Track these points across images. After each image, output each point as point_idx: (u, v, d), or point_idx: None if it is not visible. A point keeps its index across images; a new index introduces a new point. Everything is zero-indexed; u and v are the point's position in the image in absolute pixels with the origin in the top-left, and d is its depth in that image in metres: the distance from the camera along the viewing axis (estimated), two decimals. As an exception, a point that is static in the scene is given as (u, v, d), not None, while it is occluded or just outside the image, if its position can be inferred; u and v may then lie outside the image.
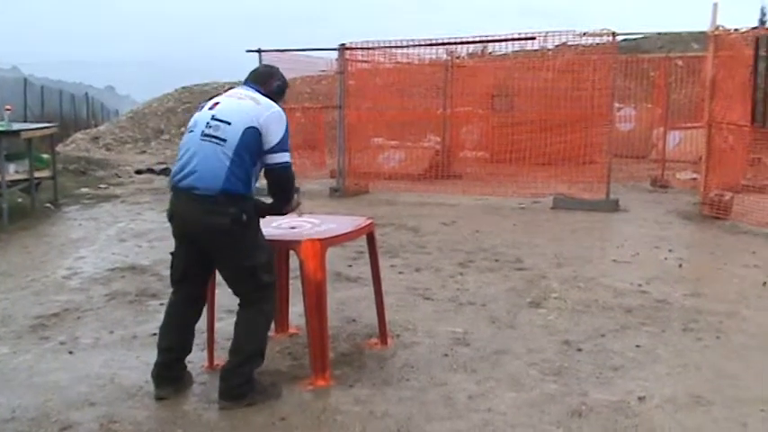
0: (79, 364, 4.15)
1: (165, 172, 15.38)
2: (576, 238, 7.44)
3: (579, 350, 4.21)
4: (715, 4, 8.27)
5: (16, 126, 8.69)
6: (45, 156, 10.01)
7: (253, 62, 11.71)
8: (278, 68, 3.80)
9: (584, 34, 9.06)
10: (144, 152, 20.78)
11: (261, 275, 3.52)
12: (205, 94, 24.68)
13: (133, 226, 8.30)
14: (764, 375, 3.89)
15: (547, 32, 9.23)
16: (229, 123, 3.39)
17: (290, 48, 11.30)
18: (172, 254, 3.72)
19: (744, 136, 9.00)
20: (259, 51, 11.16)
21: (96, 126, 28.16)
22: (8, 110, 8.35)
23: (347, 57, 10.79)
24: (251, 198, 3.54)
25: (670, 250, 6.72)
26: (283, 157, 3.48)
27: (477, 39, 10.01)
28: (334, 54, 12.03)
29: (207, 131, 3.41)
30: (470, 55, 15.76)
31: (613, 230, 7.93)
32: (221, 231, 3.39)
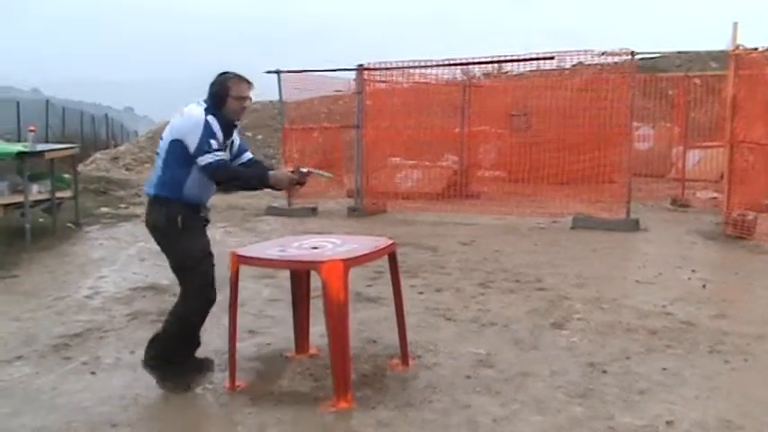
0: (101, 384, 4.15)
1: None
2: (596, 258, 7.38)
3: (604, 372, 4.15)
4: (735, 23, 8.25)
5: (39, 147, 8.78)
6: (66, 176, 10.10)
7: (272, 82, 11.83)
8: (222, 75, 3.96)
9: (604, 54, 9.04)
10: (163, 172, 20.92)
11: (182, 277, 3.97)
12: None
13: (152, 245, 8.24)
14: (794, 400, 3.81)
15: (566, 52, 9.22)
16: (162, 138, 3.95)
17: (309, 68, 11.39)
18: None
19: (766, 155, 8.91)
20: (278, 72, 11.25)
21: (116, 146, 28.43)
22: (32, 131, 8.45)
23: (365, 77, 10.82)
24: (179, 202, 3.90)
25: (693, 271, 6.64)
26: (204, 160, 3.77)
27: (496, 59, 10.02)
28: (352, 74, 12.15)
29: (157, 150, 4.02)
30: (486, 75, 15.80)
31: (635, 250, 7.86)
32: (152, 228, 4.03)
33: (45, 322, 5.35)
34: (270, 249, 4.13)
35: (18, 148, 8.37)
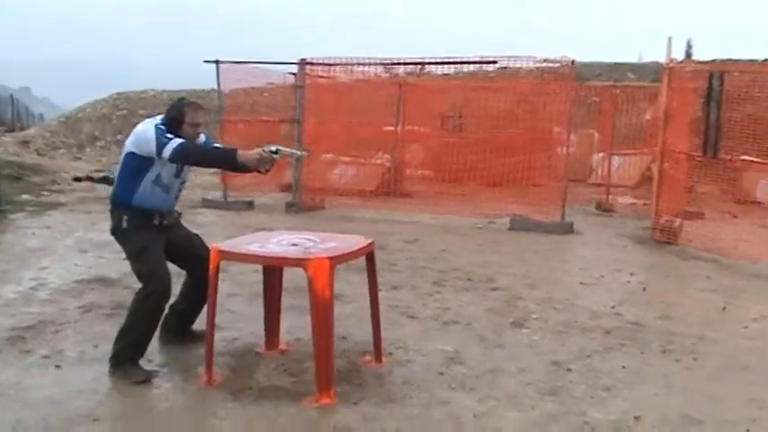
0: (70, 378, 4.05)
1: (105, 180, 15.00)
2: (540, 260, 7.65)
3: (569, 370, 4.34)
4: (670, 38, 8.68)
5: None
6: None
7: (210, 71, 11.61)
8: (179, 102, 4.33)
9: (545, 60, 9.35)
10: (79, 159, 20.21)
11: (135, 270, 4.24)
12: (142, 101, 24.25)
13: (91, 236, 8.07)
14: (743, 396, 4.08)
15: (509, 56, 9.48)
16: (121, 152, 4.34)
17: (248, 60, 11.27)
18: None
19: (693, 165, 9.42)
20: (216, 62, 11.08)
21: (22, 129, 27.19)
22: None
23: (306, 71, 10.80)
24: (128, 208, 4.21)
25: (631, 274, 6.98)
26: (167, 151, 4.04)
27: (439, 60, 10.18)
28: (287, 68, 12.09)
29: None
30: (408, 74, 16.00)
31: (573, 253, 8.18)
32: (112, 233, 4.37)
33: (-12, 314, 5.14)
34: (250, 245, 4.12)
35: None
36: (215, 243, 4.11)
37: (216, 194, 11.56)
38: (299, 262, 3.86)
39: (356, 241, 4.31)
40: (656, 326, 5.27)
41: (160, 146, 4.04)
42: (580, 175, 15.57)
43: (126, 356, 4.09)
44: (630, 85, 16.47)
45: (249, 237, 4.46)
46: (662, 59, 9.04)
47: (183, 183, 4.45)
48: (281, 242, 4.18)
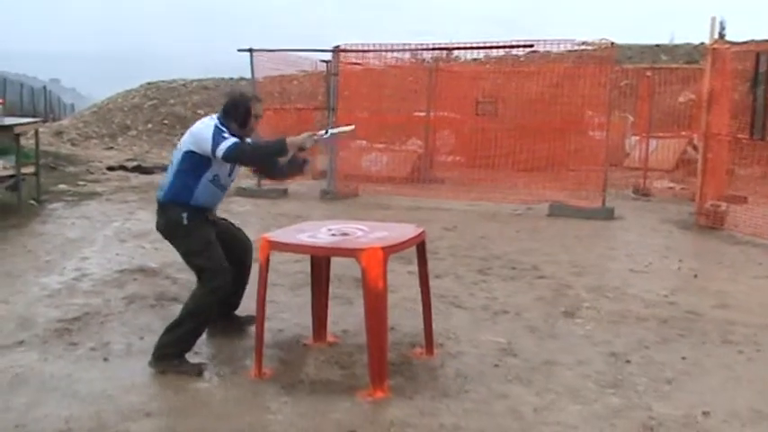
0: (119, 371, 3.99)
1: (138, 169, 15.03)
2: (584, 246, 7.48)
3: (628, 362, 4.20)
4: (714, 18, 8.43)
5: (8, 121, 8.36)
6: (28, 151, 9.68)
7: (240, 59, 11.55)
8: (242, 97, 4.36)
9: (584, 43, 9.13)
10: (111, 148, 20.26)
11: (196, 265, 4.19)
12: (172, 90, 24.30)
13: (129, 226, 8.07)
14: (813, 389, 3.93)
15: (546, 40, 9.28)
16: (177, 150, 4.29)
17: (282, 48, 11.17)
18: None
19: (737, 148, 9.17)
20: (250, 51, 11.00)
21: (55, 120, 27.43)
22: (0, 103, 8.03)
23: (341, 59, 10.68)
24: (187, 206, 4.17)
25: (680, 260, 6.80)
26: (222, 150, 4.01)
27: (474, 45, 9.99)
28: (321, 55, 12.00)
29: (172, 159, 4.33)
30: (435, 59, 15.81)
31: (617, 239, 7.99)
32: (164, 230, 4.29)
33: (38, 305, 5.12)
34: (300, 235, 4.02)
35: (-15, 121, 7.96)
36: (264, 234, 4.02)
37: (250, 183, 11.49)
38: (352, 252, 3.76)
39: (407, 230, 4.20)
40: (713, 315, 5.10)
41: (215, 145, 4.03)
42: (614, 159, 15.29)
43: (175, 349, 4.03)
44: (666, 67, 16.07)
45: (298, 226, 4.36)
46: (695, 40, 8.77)
47: (232, 181, 4.48)
48: (331, 231, 4.08)
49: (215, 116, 4.24)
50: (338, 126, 4.60)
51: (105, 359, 4.16)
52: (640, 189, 12.13)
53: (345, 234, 4.02)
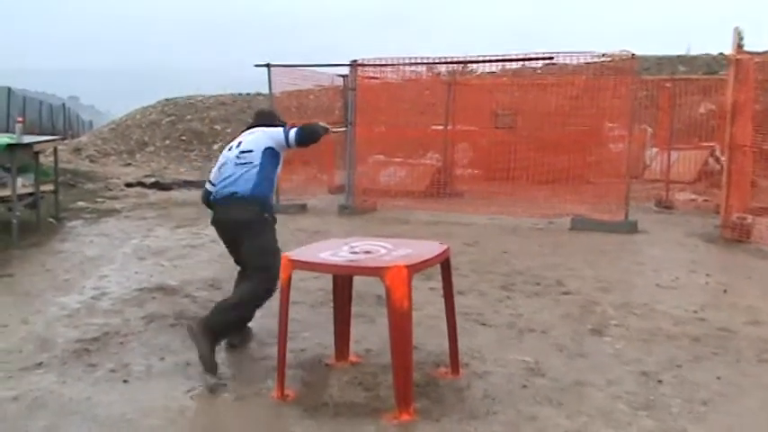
0: (138, 394, 3.92)
1: (156, 185, 15.07)
2: (608, 261, 7.35)
3: (660, 382, 4.07)
4: (736, 28, 8.29)
5: (27, 139, 8.37)
6: (47, 168, 9.71)
7: (256, 74, 11.55)
8: (264, 110, 5.53)
9: (604, 55, 9.03)
10: (129, 164, 20.36)
11: (262, 263, 4.45)
12: (190, 106, 24.41)
13: (148, 243, 8.03)
14: None
15: (565, 52, 9.18)
16: (252, 151, 4.73)
17: (299, 63, 11.16)
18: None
19: (762, 159, 9.01)
20: (268, 66, 10.99)
21: (73, 137, 27.62)
22: (20, 122, 8.05)
23: (358, 73, 10.63)
24: (269, 200, 4.74)
25: (707, 275, 6.65)
26: (293, 136, 4.77)
27: (493, 58, 9.92)
28: (336, 69, 11.97)
29: (238, 162, 4.72)
30: (451, 73, 15.76)
31: (642, 253, 7.83)
32: (243, 222, 4.56)
33: (57, 326, 5.07)
34: (321, 253, 3.94)
35: (5, 140, 7.96)
36: (286, 252, 3.93)
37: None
38: (375, 270, 3.67)
39: (431, 247, 4.10)
40: (746, 332, 4.95)
41: (286, 135, 4.76)
42: (634, 171, 15.12)
43: (222, 330, 4.26)
44: (686, 78, 15.91)
45: (319, 244, 4.27)
46: (713, 51, 8.64)
47: None
48: (353, 249, 3.99)
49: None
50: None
51: (125, 381, 4.09)
52: (663, 201, 11.98)
53: (368, 252, 3.93)
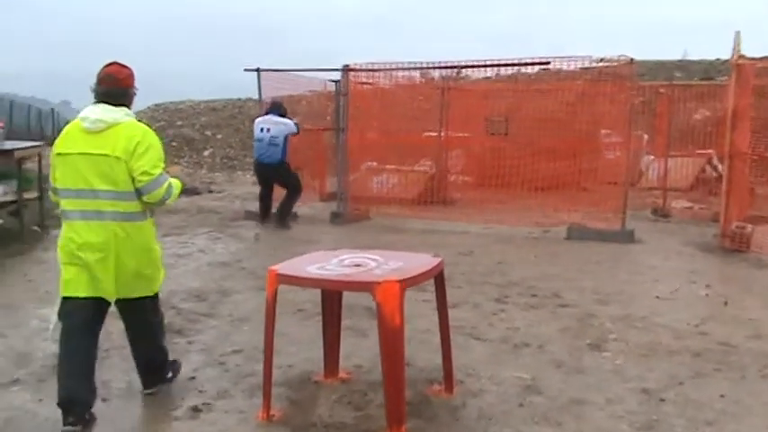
0: (118, 414, 3.75)
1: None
2: (606, 272, 7.18)
3: (662, 400, 3.91)
4: (737, 32, 8.16)
5: (8, 145, 8.17)
6: (30, 175, 9.49)
7: (246, 78, 11.38)
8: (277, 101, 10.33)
9: (602, 60, 8.89)
10: (118, 170, 20.11)
11: (292, 183, 10.03)
12: (180, 112, 24.19)
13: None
14: None
15: (563, 57, 9.04)
16: (277, 136, 9.68)
17: (289, 68, 11.01)
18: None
19: (760, 167, 8.87)
20: (258, 71, 10.84)
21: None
22: (0, 128, 7.85)
23: (350, 78, 10.46)
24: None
25: (708, 286, 6.50)
26: (297, 127, 10.03)
27: (489, 62, 9.77)
28: (329, 75, 11.78)
29: (270, 142, 9.68)
30: (445, 78, 15.59)
31: (640, 263, 7.67)
32: (277, 171, 9.82)
33: (36, 340, 4.88)
34: (309, 267, 3.76)
35: (-15, 146, 7.77)
36: (272, 266, 3.75)
37: (258, 206, 11.26)
38: (366, 285, 3.50)
39: (424, 260, 3.94)
40: (748, 347, 4.79)
41: (295, 125, 9.86)
42: (630, 179, 14.98)
43: (289, 213, 9.89)
44: (682, 84, 15.81)
45: (308, 257, 4.10)
46: (710, 56, 8.50)
47: None
48: (342, 262, 3.82)
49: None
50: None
51: (104, 399, 3.91)
52: (659, 209, 11.81)
53: (358, 265, 3.76)
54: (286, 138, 9.59)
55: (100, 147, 3.56)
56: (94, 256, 3.59)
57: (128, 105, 3.76)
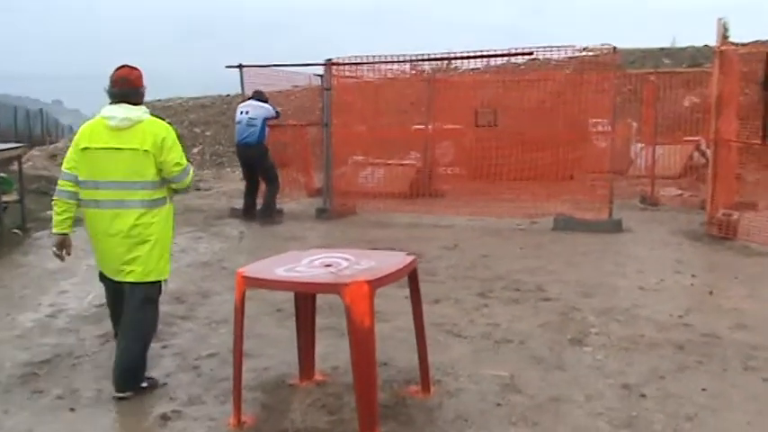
0: (84, 425, 3.65)
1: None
2: (591, 263, 7.10)
3: (643, 396, 3.83)
4: (720, 19, 8.07)
5: (-15, 147, 8.04)
6: (9, 178, 9.39)
7: (229, 75, 11.26)
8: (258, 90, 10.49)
9: (585, 49, 8.79)
10: (107, 170, 19.96)
11: (270, 173, 10.08)
12: (168, 109, 23.99)
13: (115, 254, 7.70)
14: None
15: (545, 47, 8.94)
16: (255, 118, 9.89)
17: (272, 63, 10.89)
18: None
19: (747, 153, 8.79)
20: (240, 67, 10.71)
21: (52, 143, 27.14)
22: (-23, 129, 7.72)
23: (333, 72, 10.35)
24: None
25: (693, 276, 6.42)
26: (276, 112, 10.35)
27: (473, 54, 9.64)
28: (311, 69, 11.66)
29: (248, 123, 9.89)
30: (435, 70, 15.46)
31: (626, 254, 7.59)
32: (256, 155, 9.91)
33: (5, 347, 4.79)
34: (277, 269, 3.66)
35: (-37, 149, 7.64)
36: (240, 268, 3.65)
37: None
38: (334, 287, 3.40)
39: (397, 259, 3.84)
40: (732, 338, 4.72)
41: (275, 110, 10.10)
42: (619, 167, 14.88)
43: (273, 208, 9.90)
44: (670, 71, 15.72)
45: (278, 258, 3.99)
46: (698, 43, 8.42)
47: None
48: (312, 263, 3.72)
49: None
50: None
51: (72, 409, 3.82)
52: (648, 198, 11.74)
53: (328, 265, 3.66)
54: (264, 120, 9.78)
55: (127, 142, 3.94)
56: (106, 240, 4.11)
57: (141, 103, 4.11)
